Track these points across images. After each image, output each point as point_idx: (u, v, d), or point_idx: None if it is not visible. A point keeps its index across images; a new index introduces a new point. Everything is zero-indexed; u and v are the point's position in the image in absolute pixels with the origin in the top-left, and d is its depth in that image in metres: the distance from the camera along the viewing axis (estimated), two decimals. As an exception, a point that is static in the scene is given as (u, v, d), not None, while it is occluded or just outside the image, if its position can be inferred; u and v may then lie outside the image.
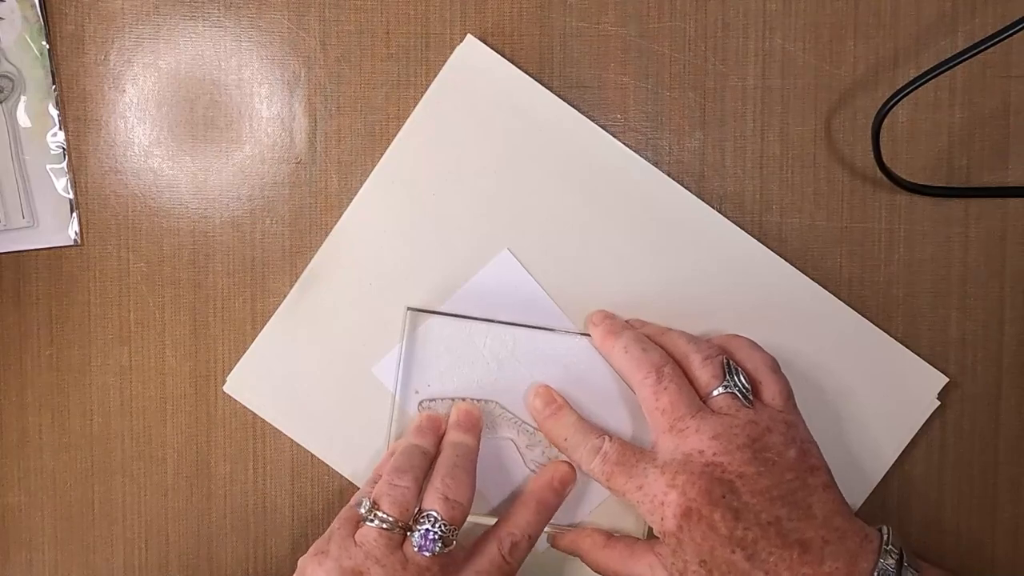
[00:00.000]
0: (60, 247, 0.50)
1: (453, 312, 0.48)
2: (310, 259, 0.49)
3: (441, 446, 0.46)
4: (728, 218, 0.48)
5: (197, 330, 0.50)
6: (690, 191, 0.48)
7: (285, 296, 0.49)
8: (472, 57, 0.48)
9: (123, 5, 0.49)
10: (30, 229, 0.49)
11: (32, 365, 0.50)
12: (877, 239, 0.49)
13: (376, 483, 0.43)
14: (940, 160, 0.49)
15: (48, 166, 0.49)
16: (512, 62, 0.48)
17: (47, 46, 0.49)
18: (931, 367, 0.48)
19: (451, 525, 0.42)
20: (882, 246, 0.49)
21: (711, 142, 0.49)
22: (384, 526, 0.41)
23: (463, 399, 0.48)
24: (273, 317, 0.49)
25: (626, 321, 0.48)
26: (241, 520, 0.50)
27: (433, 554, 0.41)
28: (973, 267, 0.49)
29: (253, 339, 0.49)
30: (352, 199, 0.49)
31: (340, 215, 0.49)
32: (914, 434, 0.48)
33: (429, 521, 0.41)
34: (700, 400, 0.43)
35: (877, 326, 0.48)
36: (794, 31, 0.49)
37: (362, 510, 0.42)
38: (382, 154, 0.48)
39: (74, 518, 0.51)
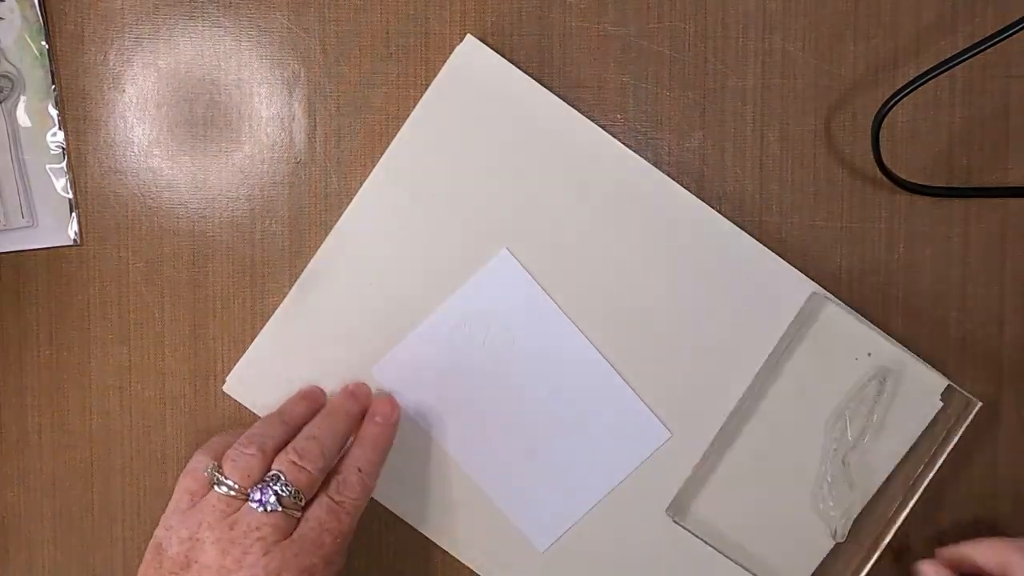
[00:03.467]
0: (60, 247, 0.50)
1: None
2: (310, 259, 0.49)
3: (329, 403, 0.46)
4: (728, 218, 0.48)
5: (196, 330, 0.50)
6: (690, 191, 0.48)
7: (285, 296, 0.49)
8: (472, 57, 0.48)
9: (123, 5, 0.49)
10: (30, 229, 0.49)
11: (32, 365, 0.50)
12: (877, 239, 0.49)
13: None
14: (940, 160, 0.49)
15: (48, 166, 0.49)
16: (512, 62, 0.48)
17: (47, 46, 0.49)
18: (932, 370, 0.48)
19: (295, 488, 0.41)
20: (882, 246, 0.49)
21: (711, 142, 0.49)
22: (221, 490, 0.40)
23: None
24: (273, 317, 0.49)
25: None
26: (241, 520, 0.50)
27: (266, 510, 0.40)
28: (973, 267, 0.49)
29: (253, 339, 0.49)
30: (352, 199, 0.49)
31: (340, 215, 0.49)
32: (918, 436, 0.48)
33: (272, 480, 0.41)
34: None
35: (877, 327, 0.48)
36: (794, 31, 0.49)
37: (205, 472, 0.41)
38: (382, 154, 0.48)
39: (74, 518, 0.51)
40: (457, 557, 0.50)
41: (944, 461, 0.47)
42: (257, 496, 0.40)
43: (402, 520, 0.50)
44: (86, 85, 0.49)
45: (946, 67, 0.44)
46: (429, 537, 0.50)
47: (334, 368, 0.49)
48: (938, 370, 0.48)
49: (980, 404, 0.47)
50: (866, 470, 0.48)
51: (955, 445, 0.47)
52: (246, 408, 0.50)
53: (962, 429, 0.47)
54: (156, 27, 0.49)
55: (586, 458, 0.49)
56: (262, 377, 0.49)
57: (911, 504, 0.47)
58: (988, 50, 0.44)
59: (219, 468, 0.41)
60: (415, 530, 0.50)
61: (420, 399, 0.49)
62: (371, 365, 0.49)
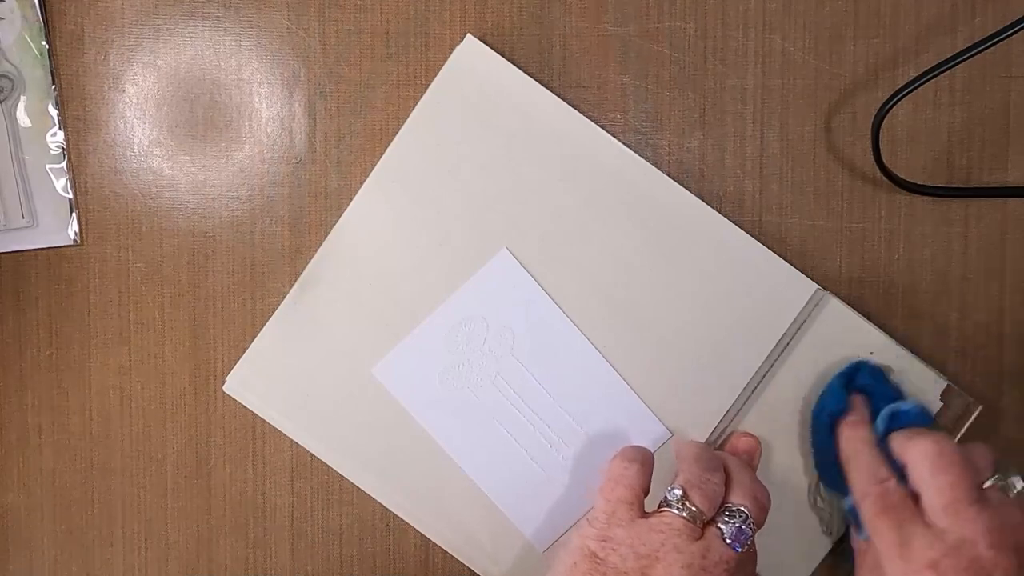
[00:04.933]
0: (60, 247, 0.50)
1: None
2: (310, 259, 0.49)
3: (731, 456, 0.46)
4: (728, 218, 0.48)
5: (197, 330, 0.50)
6: (690, 191, 0.48)
7: (285, 296, 0.49)
8: (472, 57, 0.48)
9: (123, 5, 0.49)
10: (30, 229, 0.49)
11: (32, 365, 0.50)
12: (877, 239, 0.49)
13: (621, 470, 0.43)
14: (940, 160, 0.49)
15: (48, 166, 0.49)
16: (512, 62, 0.48)
17: (47, 46, 0.49)
18: (932, 370, 0.48)
19: (756, 526, 0.42)
20: (882, 246, 0.49)
21: (711, 142, 0.49)
22: (685, 515, 0.41)
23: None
24: (273, 317, 0.49)
25: None
26: (240, 520, 0.50)
27: (743, 549, 0.41)
28: (973, 267, 0.49)
29: (253, 339, 0.49)
30: (352, 199, 0.49)
31: (340, 215, 0.49)
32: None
33: (740, 517, 0.41)
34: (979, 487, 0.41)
35: (878, 327, 0.48)
36: (794, 31, 0.49)
37: (670, 497, 0.42)
38: (382, 154, 0.48)
39: (74, 518, 0.51)
40: (457, 557, 0.50)
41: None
42: (732, 533, 0.41)
43: (402, 520, 0.50)
44: (86, 85, 0.49)
45: (946, 67, 0.44)
46: (429, 537, 0.50)
47: (334, 368, 0.49)
48: (938, 370, 0.48)
49: (981, 407, 0.47)
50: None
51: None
52: (246, 408, 0.50)
53: (962, 431, 0.47)
54: (156, 27, 0.49)
55: (586, 458, 0.49)
56: (262, 377, 0.49)
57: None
58: (988, 50, 0.44)
59: (685, 495, 0.41)
60: (415, 530, 0.50)
61: (420, 399, 0.49)
62: (371, 365, 0.49)
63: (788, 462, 0.48)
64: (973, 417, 0.47)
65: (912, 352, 0.48)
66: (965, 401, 0.47)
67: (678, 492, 0.42)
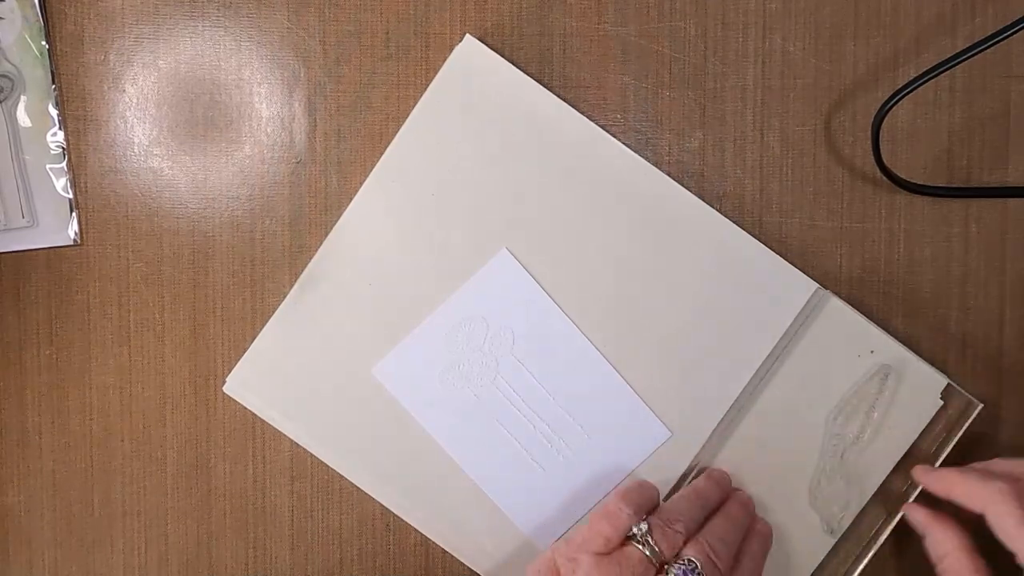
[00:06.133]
0: (60, 247, 0.50)
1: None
2: (310, 259, 0.49)
3: (726, 505, 0.47)
4: (728, 218, 0.48)
5: (197, 330, 0.50)
6: (690, 191, 0.48)
7: (285, 296, 0.49)
8: (471, 57, 0.48)
9: (123, 5, 0.49)
10: (30, 229, 0.49)
11: (32, 365, 0.50)
12: (877, 239, 0.49)
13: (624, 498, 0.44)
14: (940, 160, 0.49)
15: (48, 166, 0.49)
16: (512, 62, 0.48)
17: (47, 46, 0.49)
18: (933, 368, 0.48)
19: None
20: (882, 246, 0.49)
21: (711, 142, 0.49)
22: (647, 552, 0.42)
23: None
24: (273, 317, 0.49)
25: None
26: (240, 520, 0.50)
27: None
28: (973, 267, 0.49)
29: (253, 339, 0.49)
30: (352, 199, 0.49)
31: (340, 215, 0.49)
32: (918, 434, 0.48)
33: (690, 567, 0.42)
34: None
35: (878, 326, 0.48)
36: (794, 31, 0.49)
37: (635, 530, 0.43)
38: (382, 154, 0.48)
39: (74, 518, 0.51)
40: (458, 557, 0.50)
41: (944, 460, 0.47)
42: None
43: (402, 520, 0.50)
44: (86, 85, 0.49)
45: (946, 67, 0.44)
46: (429, 537, 0.50)
47: (334, 368, 0.49)
48: (938, 369, 0.48)
49: (981, 406, 0.47)
50: (865, 467, 0.48)
51: (955, 445, 0.47)
52: (246, 408, 0.50)
53: (962, 430, 0.47)
54: (156, 27, 0.49)
55: (586, 457, 0.49)
56: (262, 377, 0.49)
57: (910, 501, 0.47)
58: (988, 50, 0.44)
59: (650, 532, 0.43)
60: (415, 530, 0.50)
61: (420, 399, 0.49)
62: (371, 365, 0.49)
63: (788, 462, 0.48)
64: (973, 416, 0.47)
65: (912, 351, 0.48)
66: (965, 400, 0.47)
67: (644, 527, 0.43)
